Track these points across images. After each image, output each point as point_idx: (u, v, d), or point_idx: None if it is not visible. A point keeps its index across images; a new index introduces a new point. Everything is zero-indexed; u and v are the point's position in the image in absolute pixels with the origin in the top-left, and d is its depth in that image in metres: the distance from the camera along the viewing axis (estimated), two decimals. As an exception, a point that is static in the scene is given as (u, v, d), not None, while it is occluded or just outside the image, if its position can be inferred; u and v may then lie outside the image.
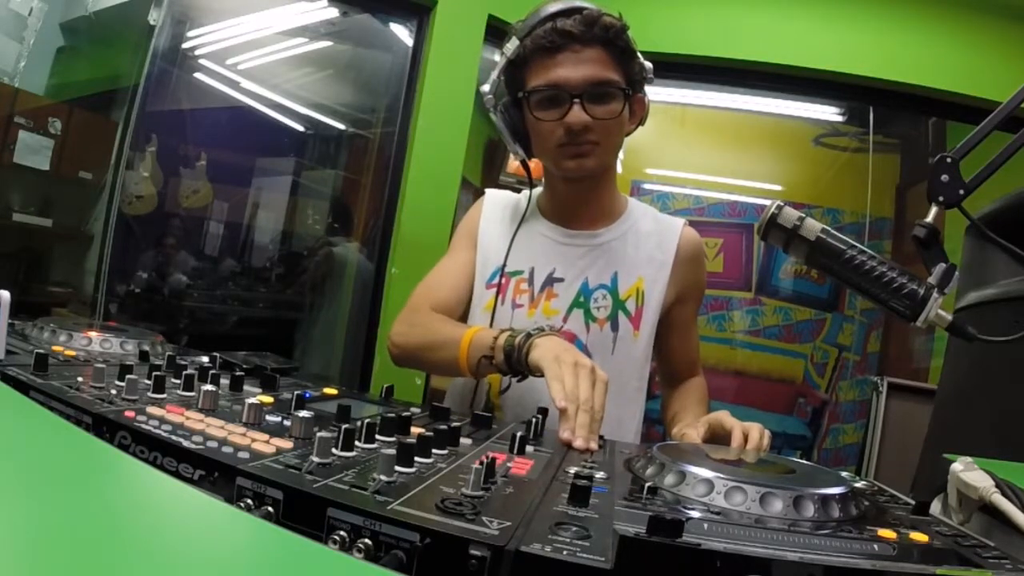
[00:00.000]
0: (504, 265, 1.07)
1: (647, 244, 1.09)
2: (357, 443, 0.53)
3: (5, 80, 1.99)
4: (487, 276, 1.10)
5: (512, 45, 0.98)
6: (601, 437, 0.75)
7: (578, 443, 0.70)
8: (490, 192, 1.20)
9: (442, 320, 1.03)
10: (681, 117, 3.52)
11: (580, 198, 1.09)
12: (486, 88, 1.02)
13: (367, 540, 0.38)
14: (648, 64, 1.02)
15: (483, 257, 1.11)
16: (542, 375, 0.81)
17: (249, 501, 0.43)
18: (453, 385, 1.18)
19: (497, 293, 1.07)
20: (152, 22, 2.23)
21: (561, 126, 0.97)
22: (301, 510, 0.41)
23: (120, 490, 0.33)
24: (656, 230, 1.11)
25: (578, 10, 0.95)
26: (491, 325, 1.04)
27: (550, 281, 1.07)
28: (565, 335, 1.02)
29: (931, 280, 0.70)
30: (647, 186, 3.68)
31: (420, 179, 2.27)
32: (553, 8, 0.96)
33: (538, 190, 1.16)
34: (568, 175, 1.04)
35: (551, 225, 1.11)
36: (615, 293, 1.06)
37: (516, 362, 0.85)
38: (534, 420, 0.75)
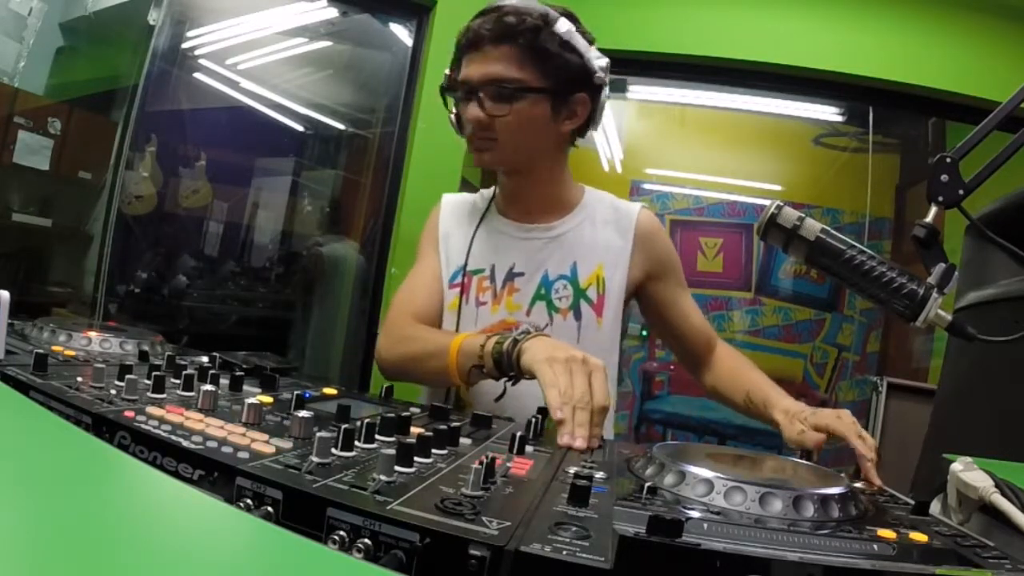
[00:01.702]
0: (466, 264, 1.09)
1: (605, 231, 1.11)
2: (357, 443, 0.53)
3: (5, 80, 1.99)
4: (450, 276, 1.12)
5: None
6: (601, 437, 0.75)
7: (578, 443, 0.70)
8: (446, 196, 1.22)
9: (426, 329, 1.04)
10: (681, 117, 3.52)
11: (521, 192, 1.11)
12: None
13: (367, 540, 0.38)
14: (599, 63, 1.00)
15: (446, 259, 1.14)
16: (535, 378, 0.81)
17: (249, 501, 0.43)
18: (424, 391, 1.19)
19: (461, 292, 1.09)
20: (152, 22, 2.23)
21: (471, 121, 1.01)
22: (301, 510, 0.41)
23: (120, 490, 0.33)
24: (614, 217, 1.13)
25: (496, 9, 0.98)
26: (457, 325, 1.07)
27: (511, 276, 1.09)
28: None
29: (931, 280, 0.70)
30: (647, 186, 3.68)
31: (420, 179, 2.27)
32: (488, 6, 1.00)
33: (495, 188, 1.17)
34: (479, 166, 1.08)
35: (507, 221, 1.13)
36: (575, 283, 1.07)
37: (507, 367, 0.85)
38: (534, 420, 0.75)
